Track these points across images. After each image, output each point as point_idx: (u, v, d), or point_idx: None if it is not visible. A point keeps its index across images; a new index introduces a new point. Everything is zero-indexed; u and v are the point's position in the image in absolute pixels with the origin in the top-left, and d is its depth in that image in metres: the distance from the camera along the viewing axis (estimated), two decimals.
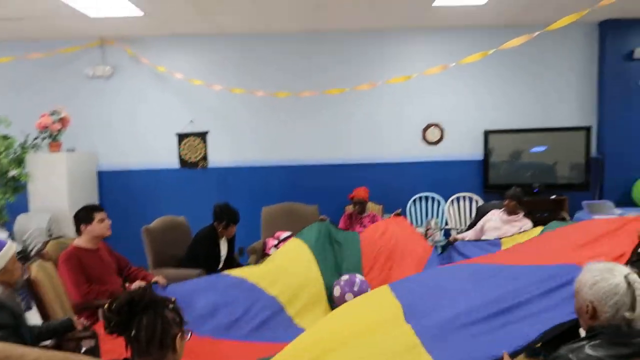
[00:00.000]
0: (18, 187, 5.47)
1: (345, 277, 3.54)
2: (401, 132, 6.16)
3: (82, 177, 5.88)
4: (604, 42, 5.93)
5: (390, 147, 6.14)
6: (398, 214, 4.71)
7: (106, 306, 1.49)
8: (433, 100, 6.14)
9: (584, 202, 5.41)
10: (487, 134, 6.07)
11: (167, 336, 1.47)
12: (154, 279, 3.34)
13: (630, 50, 5.83)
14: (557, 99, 6.15)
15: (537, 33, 3.88)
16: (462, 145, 6.18)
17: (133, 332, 1.44)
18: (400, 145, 6.15)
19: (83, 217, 3.20)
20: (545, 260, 2.63)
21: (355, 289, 3.41)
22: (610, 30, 5.86)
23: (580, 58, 6.11)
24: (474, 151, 6.17)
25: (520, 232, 4.27)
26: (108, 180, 6.26)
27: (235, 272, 3.49)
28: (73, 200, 5.54)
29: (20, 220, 5.32)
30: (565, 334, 2.04)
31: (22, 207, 5.53)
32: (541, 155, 6.10)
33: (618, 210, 5.20)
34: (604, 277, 1.58)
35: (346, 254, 3.98)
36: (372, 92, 5.70)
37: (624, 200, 5.87)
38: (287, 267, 3.65)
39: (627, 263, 2.30)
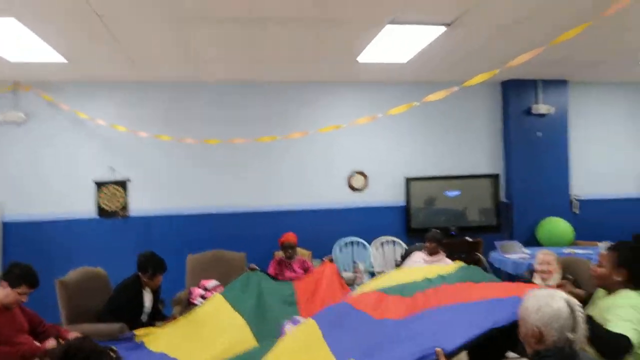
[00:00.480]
0: None
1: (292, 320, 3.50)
2: (328, 179, 6.35)
3: None
4: (507, 99, 6.63)
5: (317, 194, 6.29)
6: (330, 260, 4.75)
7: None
8: (358, 149, 6.43)
9: (497, 243, 5.81)
10: (408, 181, 6.40)
11: None
12: (70, 335, 3.10)
13: (529, 107, 6.53)
14: (469, 149, 6.69)
15: (455, 88, 4.27)
16: (386, 191, 6.47)
17: None
18: (327, 191, 6.32)
19: (12, 279, 2.94)
20: (466, 299, 2.78)
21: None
22: (512, 89, 6.57)
23: (487, 113, 6.75)
24: (396, 197, 6.47)
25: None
26: (14, 232, 5.77)
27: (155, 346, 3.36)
28: None
29: None
30: None
31: None
32: (454, 201, 6.53)
33: (527, 250, 5.63)
34: (547, 303, 1.70)
35: (280, 300, 3.97)
36: (301, 140, 5.88)
37: (531, 240, 6.39)
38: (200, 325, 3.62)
39: None
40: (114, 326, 3.58)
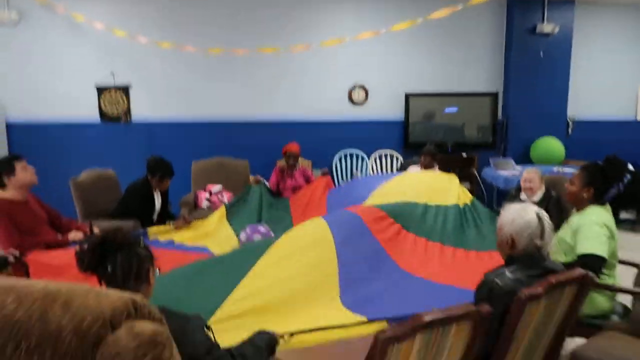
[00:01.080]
0: None
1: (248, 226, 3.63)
2: (330, 92, 6.37)
3: None
4: (511, 16, 6.50)
5: (319, 106, 6.34)
6: (325, 173, 4.92)
7: (78, 247, 1.55)
8: (360, 63, 6.38)
9: (491, 159, 6.02)
10: (407, 96, 6.44)
11: (141, 271, 1.56)
12: (88, 229, 3.31)
13: (533, 25, 6.42)
14: (469, 67, 6.67)
15: (459, 7, 4.20)
16: (385, 106, 6.53)
17: (109, 270, 1.51)
18: (329, 104, 6.37)
19: (4, 169, 3.03)
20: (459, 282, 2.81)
21: (262, 230, 3.49)
22: (517, 7, 6.42)
23: (490, 30, 6.64)
24: (395, 112, 6.54)
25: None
26: (19, 134, 5.84)
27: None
28: None
29: None
30: None
31: None
32: (452, 117, 6.62)
33: (519, 167, 5.85)
34: (520, 215, 1.90)
35: (278, 215, 4.21)
36: (303, 52, 5.81)
37: (524, 159, 6.59)
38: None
39: None
40: (128, 223, 3.80)
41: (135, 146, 5.97)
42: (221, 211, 4.18)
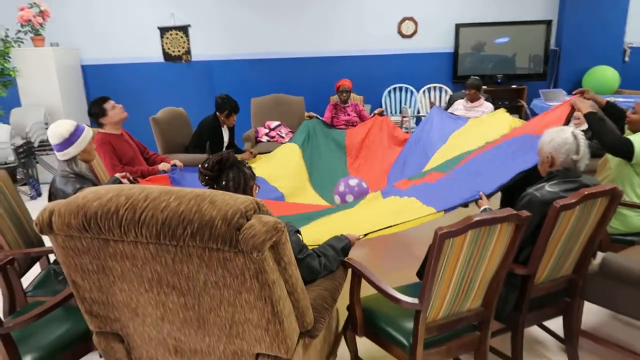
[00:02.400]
0: (6, 82, 5.54)
1: (341, 184, 3.81)
2: (379, 25, 6.46)
3: (68, 71, 5.97)
4: None
5: (368, 40, 6.48)
6: (380, 113, 5.14)
7: (200, 165, 1.96)
8: None
9: (540, 90, 6.05)
10: (457, 27, 6.44)
11: (247, 186, 1.97)
12: (172, 162, 3.78)
13: None
14: None
15: None
16: (434, 38, 6.57)
17: (223, 183, 1.93)
18: (378, 38, 6.49)
19: (97, 111, 3.47)
20: (507, 138, 3.25)
21: (356, 189, 3.70)
22: None
23: None
24: (445, 44, 6.57)
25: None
26: (92, 74, 6.37)
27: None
28: (63, 93, 5.71)
29: (15, 114, 5.49)
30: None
31: (14, 102, 5.65)
32: (502, 48, 6.58)
33: (569, 97, 5.85)
34: (558, 135, 2.17)
35: (333, 148, 4.54)
36: None
37: (576, 89, 6.53)
38: (282, 166, 4.22)
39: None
40: (202, 156, 4.26)
41: (196, 84, 6.38)
42: (297, 153, 4.43)
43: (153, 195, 1.46)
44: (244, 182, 1.94)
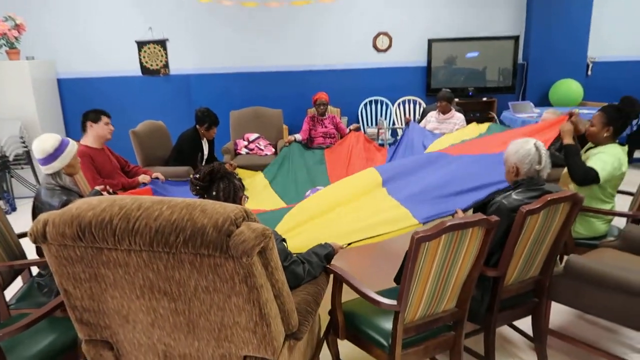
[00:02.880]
0: None
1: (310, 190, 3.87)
2: (355, 40, 6.65)
3: (44, 84, 5.95)
4: None
5: (345, 55, 6.66)
6: (357, 129, 5.25)
7: (191, 175, 2.04)
8: (383, 11, 6.60)
9: (510, 103, 6.30)
10: (430, 42, 6.68)
11: (237, 196, 2.05)
12: (154, 175, 3.83)
13: None
14: (491, 11, 6.82)
15: None
16: (408, 52, 6.80)
17: (214, 193, 2.00)
18: (354, 52, 6.68)
19: (92, 117, 3.55)
20: (488, 151, 3.41)
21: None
22: None
23: None
24: (418, 58, 6.80)
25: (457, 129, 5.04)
26: (69, 87, 6.35)
27: None
28: (39, 107, 5.69)
29: None
30: None
31: None
32: (473, 62, 6.85)
33: (537, 110, 6.14)
34: (522, 146, 2.33)
35: (314, 166, 4.59)
36: (330, 4, 6.08)
37: (543, 101, 6.85)
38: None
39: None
40: (183, 168, 4.33)
41: (175, 97, 6.43)
42: (263, 181, 4.37)
43: (146, 205, 1.53)
44: (234, 193, 2.02)
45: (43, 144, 2.56)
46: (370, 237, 2.53)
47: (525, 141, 2.37)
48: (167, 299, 1.63)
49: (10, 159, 5.34)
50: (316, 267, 2.10)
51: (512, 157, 2.37)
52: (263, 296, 1.57)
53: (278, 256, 1.66)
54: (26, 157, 5.57)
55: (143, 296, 1.64)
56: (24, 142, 5.51)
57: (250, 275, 1.50)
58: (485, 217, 1.87)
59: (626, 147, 2.98)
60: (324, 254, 2.20)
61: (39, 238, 1.58)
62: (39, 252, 2.58)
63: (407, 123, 4.96)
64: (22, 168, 5.60)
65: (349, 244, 2.45)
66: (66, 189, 2.56)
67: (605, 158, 2.86)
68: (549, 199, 2.05)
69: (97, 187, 2.98)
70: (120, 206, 1.55)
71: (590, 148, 3.11)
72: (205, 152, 4.67)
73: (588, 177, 2.80)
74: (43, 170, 2.57)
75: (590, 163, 2.86)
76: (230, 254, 1.45)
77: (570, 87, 6.65)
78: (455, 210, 2.65)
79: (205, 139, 4.64)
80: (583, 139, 3.21)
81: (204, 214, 1.49)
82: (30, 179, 5.65)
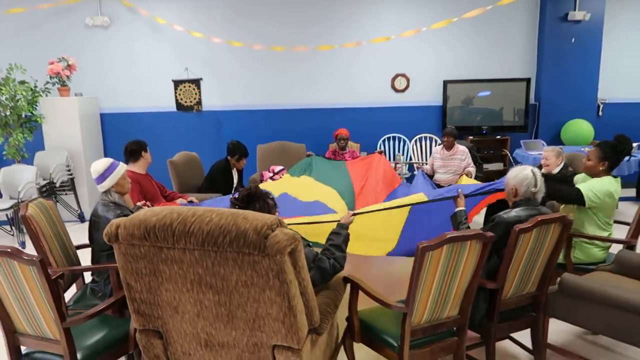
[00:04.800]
0: (32, 127, 6.05)
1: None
2: (375, 81, 7.11)
3: (89, 118, 6.51)
4: (545, 5, 6.99)
5: (365, 94, 7.11)
6: (380, 152, 5.56)
7: (232, 196, 2.40)
8: (402, 54, 7.07)
9: (522, 141, 6.61)
10: (445, 83, 7.09)
11: (271, 214, 2.39)
12: (189, 198, 4.23)
13: (565, 13, 6.90)
14: (504, 54, 7.22)
15: (490, 7, 4.84)
16: (425, 92, 7.21)
17: None
18: (374, 92, 7.12)
19: (136, 149, 4.03)
20: None
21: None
22: None
23: (524, 19, 7.16)
24: (434, 98, 7.20)
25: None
26: (110, 122, 6.91)
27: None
28: (84, 139, 6.22)
29: (40, 157, 5.96)
30: None
31: (38, 145, 6.14)
32: (487, 102, 7.21)
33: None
34: (520, 172, 2.68)
35: (336, 175, 4.88)
36: (353, 47, 6.60)
37: (555, 140, 7.13)
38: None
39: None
40: (215, 195, 4.71)
41: (206, 132, 6.92)
42: (285, 177, 4.78)
43: (199, 213, 1.90)
44: (268, 211, 2.37)
45: (96, 165, 2.98)
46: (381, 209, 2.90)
47: (523, 167, 2.71)
48: (212, 292, 1.97)
49: (57, 184, 5.83)
50: (340, 259, 2.41)
51: (511, 180, 2.70)
52: (292, 290, 1.89)
53: (305, 259, 1.99)
54: (70, 184, 6.06)
55: (192, 289, 1.99)
56: (69, 170, 6.01)
57: (282, 271, 1.84)
58: (481, 232, 2.18)
59: (619, 179, 3.25)
60: (342, 241, 2.50)
61: (112, 238, 1.96)
62: (94, 261, 2.95)
63: (418, 169, 5.19)
64: (66, 194, 6.08)
65: (356, 214, 2.78)
66: (118, 204, 2.95)
67: (593, 183, 3.16)
68: (539, 219, 2.35)
69: (139, 203, 3.38)
70: (179, 213, 1.92)
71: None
72: (235, 181, 5.06)
73: (572, 195, 3.09)
74: (98, 189, 2.97)
75: (581, 185, 3.17)
76: (267, 253, 1.80)
77: (581, 127, 6.92)
78: (457, 193, 2.99)
79: (235, 169, 5.05)
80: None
81: (246, 220, 1.85)
82: (73, 205, 6.13)
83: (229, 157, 4.97)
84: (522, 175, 2.65)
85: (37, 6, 6.18)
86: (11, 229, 5.63)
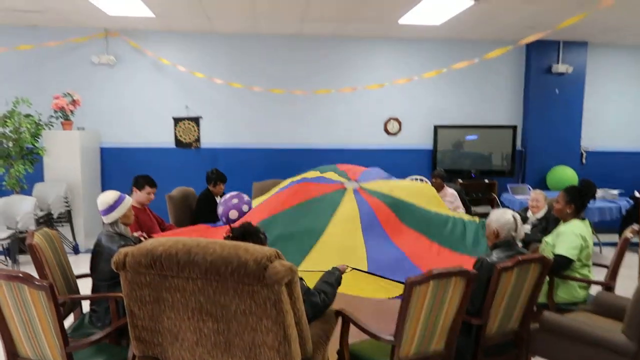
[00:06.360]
0: (34, 159, 6.18)
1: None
2: (368, 124, 7.40)
3: (89, 152, 6.67)
4: (530, 58, 7.39)
5: (359, 136, 7.38)
6: None
7: (226, 234, 2.55)
8: (394, 99, 7.39)
9: (509, 185, 6.84)
10: (436, 128, 7.37)
11: None
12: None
13: (549, 66, 7.30)
14: (492, 102, 7.58)
15: (476, 60, 5.18)
16: (416, 136, 7.49)
17: None
18: (367, 135, 7.39)
19: (139, 184, 4.17)
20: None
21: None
22: (534, 50, 7.30)
23: (510, 70, 7.55)
24: (425, 142, 7.47)
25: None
26: (109, 156, 7.07)
27: None
28: (83, 172, 6.36)
29: (38, 188, 6.07)
30: None
31: (37, 177, 6.26)
32: (476, 147, 7.49)
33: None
34: (502, 216, 2.84)
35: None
36: (348, 92, 6.91)
37: (541, 185, 7.37)
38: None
39: None
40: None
41: (204, 168, 7.01)
42: None
43: (203, 243, 2.04)
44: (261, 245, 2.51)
45: (106, 197, 3.12)
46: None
47: (504, 211, 2.88)
48: (212, 320, 2.08)
49: (55, 216, 5.92)
50: (330, 295, 2.53)
51: (493, 223, 2.86)
52: (287, 320, 2.02)
53: (300, 291, 2.12)
54: (67, 216, 6.15)
55: (193, 317, 2.10)
56: (67, 203, 6.12)
57: (279, 301, 1.97)
58: (465, 269, 2.34)
59: (587, 221, 3.45)
60: (334, 280, 2.62)
61: (120, 265, 2.08)
62: (94, 291, 3.04)
63: None
64: (62, 225, 6.16)
65: (353, 269, 2.89)
66: (122, 235, 3.08)
67: (567, 239, 3.31)
68: (519, 258, 2.51)
69: (136, 234, 3.52)
70: (184, 243, 2.06)
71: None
72: None
73: (562, 263, 3.25)
74: (104, 220, 3.10)
75: (556, 250, 3.32)
76: (265, 283, 1.93)
77: (565, 174, 7.19)
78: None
79: (218, 196, 5.23)
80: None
81: (247, 252, 1.99)
82: (68, 236, 6.20)
83: (208, 186, 5.17)
84: (504, 219, 2.82)
85: (46, 43, 6.44)
86: (6, 259, 5.68)
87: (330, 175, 4.41)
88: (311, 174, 4.54)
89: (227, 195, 4.06)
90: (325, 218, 3.62)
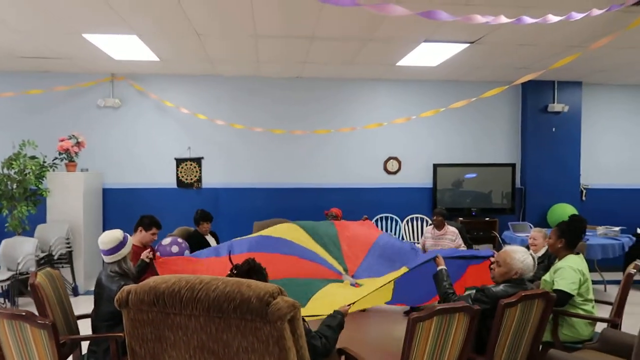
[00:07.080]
0: (37, 201, 6.23)
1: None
2: (368, 163, 7.48)
3: (92, 193, 6.71)
4: (526, 98, 7.56)
5: (359, 175, 7.45)
6: (365, 219, 5.75)
7: (230, 270, 2.56)
8: (394, 139, 7.51)
9: (509, 223, 6.85)
10: (435, 167, 7.45)
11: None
12: None
13: (545, 105, 7.45)
14: (490, 141, 7.69)
15: (474, 99, 5.30)
16: (416, 175, 7.55)
17: None
18: (367, 173, 7.46)
19: (146, 224, 4.20)
20: None
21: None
22: (530, 89, 7.48)
23: (507, 109, 7.70)
24: (425, 180, 7.53)
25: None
26: (111, 197, 7.12)
27: None
28: (86, 212, 6.39)
29: (40, 229, 6.08)
30: None
31: (40, 218, 6.28)
32: (475, 185, 7.55)
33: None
34: (526, 257, 2.87)
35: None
36: (348, 132, 7.05)
37: (542, 222, 7.38)
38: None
39: None
40: None
41: (205, 207, 7.03)
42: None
43: (206, 280, 2.05)
44: (264, 281, 2.52)
45: (114, 234, 3.12)
46: (370, 292, 3.00)
47: (526, 253, 2.91)
48: (214, 358, 2.06)
49: (55, 257, 5.90)
50: (331, 340, 2.51)
51: (517, 264, 2.86)
52: (290, 357, 2.00)
53: (303, 327, 2.11)
54: (68, 257, 6.13)
55: (195, 355, 2.08)
56: (68, 243, 6.12)
57: (281, 337, 1.96)
58: (468, 305, 2.33)
59: (581, 255, 3.46)
60: (336, 324, 2.60)
61: (122, 303, 2.08)
62: (94, 332, 3.02)
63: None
64: (63, 267, 6.13)
65: (352, 303, 2.88)
66: (125, 275, 3.07)
67: (564, 274, 3.31)
68: (523, 294, 2.51)
69: (142, 256, 3.57)
70: (187, 281, 2.06)
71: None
72: (214, 244, 5.21)
73: (562, 299, 3.23)
74: (110, 260, 3.08)
75: (555, 286, 3.30)
76: (268, 320, 1.93)
77: (565, 211, 7.17)
78: (436, 256, 3.14)
79: (208, 234, 5.31)
80: None
81: (250, 288, 2.00)
82: (68, 277, 6.15)
83: (196, 226, 5.33)
84: (528, 261, 2.85)
85: (53, 88, 6.61)
86: (4, 301, 5.62)
87: (330, 260, 4.51)
88: (307, 239, 4.64)
89: (168, 240, 4.13)
90: (324, 284, 3.86)
